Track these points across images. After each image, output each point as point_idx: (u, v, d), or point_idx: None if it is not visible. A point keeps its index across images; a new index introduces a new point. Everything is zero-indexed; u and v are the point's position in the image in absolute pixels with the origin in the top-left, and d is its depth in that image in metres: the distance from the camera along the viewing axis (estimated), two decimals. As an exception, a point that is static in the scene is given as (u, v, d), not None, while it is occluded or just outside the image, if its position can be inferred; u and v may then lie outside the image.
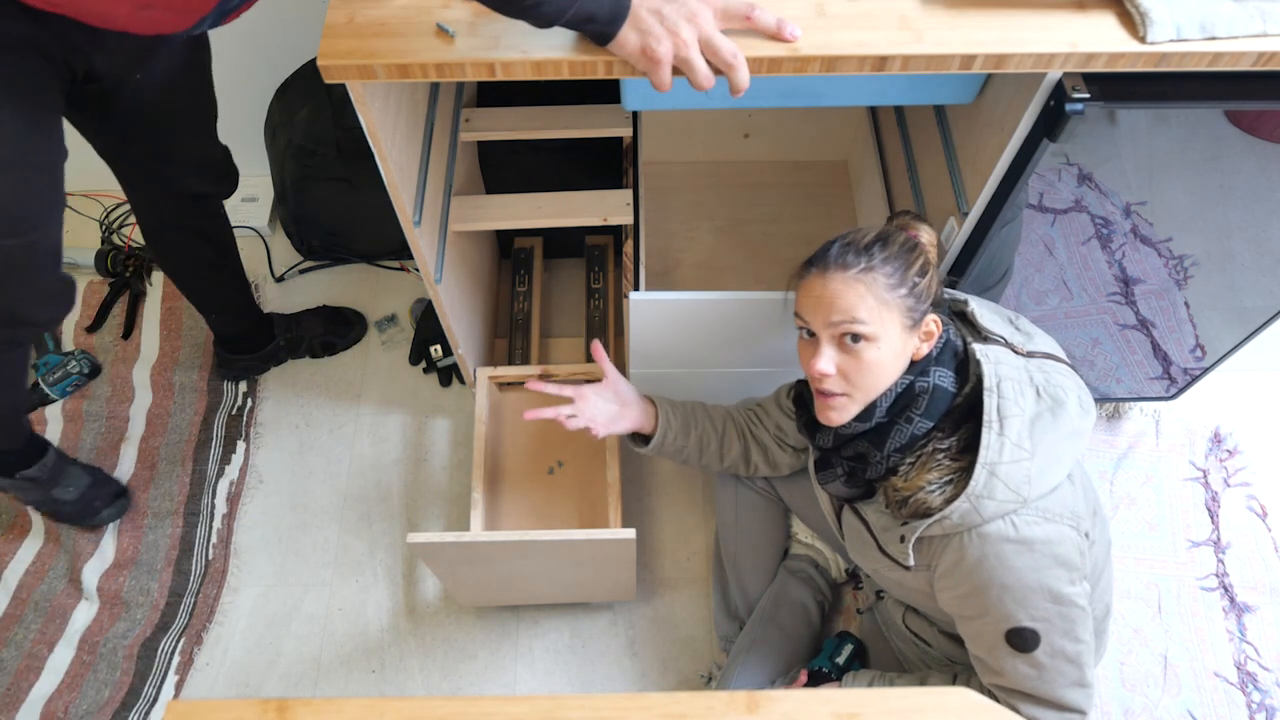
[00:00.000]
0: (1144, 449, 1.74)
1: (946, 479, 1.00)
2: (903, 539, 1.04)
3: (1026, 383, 1.01)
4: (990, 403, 0.98)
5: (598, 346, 1.28)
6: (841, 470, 1.11)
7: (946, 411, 1.02)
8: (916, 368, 1.03)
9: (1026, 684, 1.02)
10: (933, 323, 1.04)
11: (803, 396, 1.21)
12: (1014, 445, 0.97)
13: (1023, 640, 1.00)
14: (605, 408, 1.26)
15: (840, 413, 1.05)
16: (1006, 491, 0.96)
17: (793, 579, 1.46)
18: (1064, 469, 1.00)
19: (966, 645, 1.08)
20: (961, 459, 1.00)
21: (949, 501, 0.98)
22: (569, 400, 1.24)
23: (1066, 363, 1.09)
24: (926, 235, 1.10)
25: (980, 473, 0.96)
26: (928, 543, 1.04)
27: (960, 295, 1.14)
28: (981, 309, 1.11)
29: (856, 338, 1.01)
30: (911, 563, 1.05)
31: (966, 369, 1.04)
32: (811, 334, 1.06)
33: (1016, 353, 1.05)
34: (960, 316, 1.13)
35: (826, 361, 1.03)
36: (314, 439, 1.79)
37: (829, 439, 1.10)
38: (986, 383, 0.99)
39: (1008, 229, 1.22)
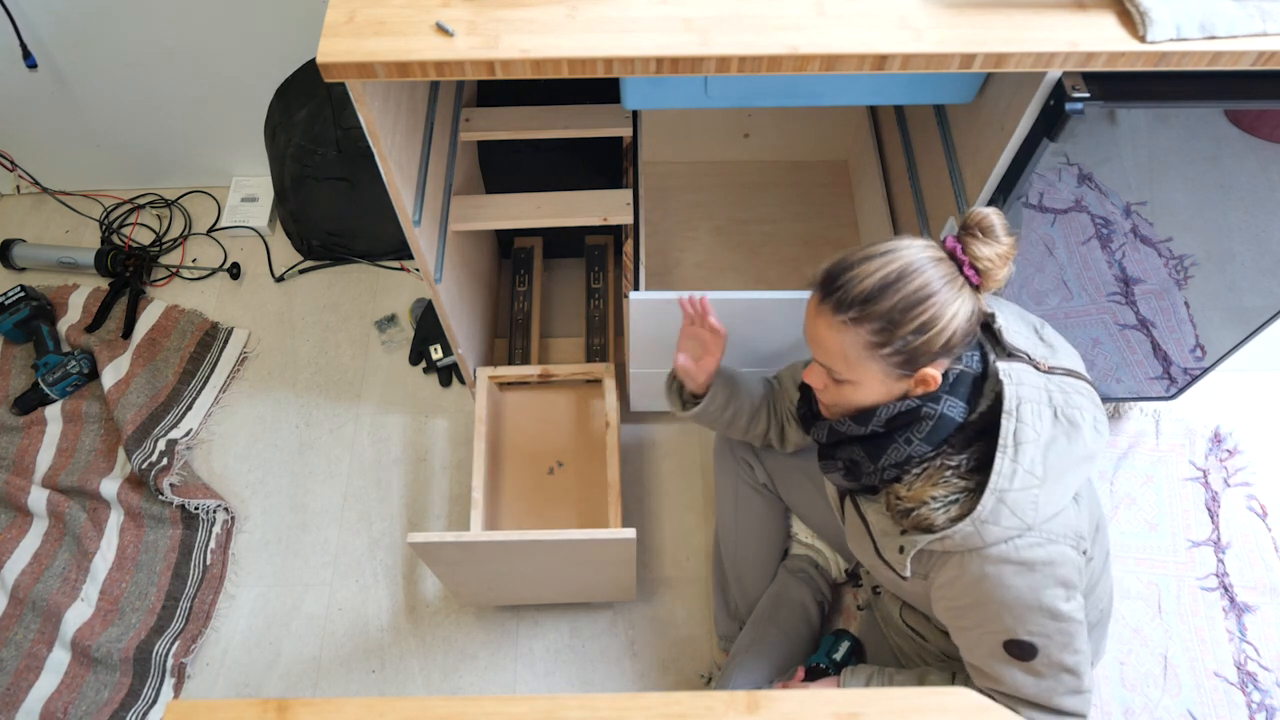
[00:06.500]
0: (1144, 449, 1.74)
1: (952, 497, 0.98)
2: (901, 549, 1.03)
3: (1045, 404, 0.98)
4: (1008, 427, 0.95)
5: (707, 303, 1.26)
6: (841, 464, 1.10)
7: (960, 427, 0.99)
8: (927, 395, 0.99)
9: (1024, 691, 1.02)
10: (929, 376, 0.97)
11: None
12: (1026, 472, 0.94)
13: (1021, 650, 0.99)
14: (697, 348, 1.29)
15: (829, 411, 1.09)
16: (1012, 518, 0.94)
17: (793, 579, 1.46)
18: (1071, 492, 0.98)
19: (961, 652, 1.08)
20: (970, 478, 0.98)
21: (953, 521, 0.97)
22: (703, 320, 1.27)
23: (1086, 379, 1.04)
24: (987, 250, 0.94)
25: (989, 498, 0.94)
26: (926, 556, 1.03)
27: (988, 307, 1.05)
28: (1009, 321, 1.05)
29: (836, 376, 1.01)
30: (908, 574, 1.04)
31: (983, 384, 1.01)
32: None
33: (1038, 369, 1.01)
34: (984, 328, 1.06)
35: (813, 376, 1.05)
36: (314, 439, 1.78)
37: (824, 434, 1.10)
38: (1006, 405, 0.96)
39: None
